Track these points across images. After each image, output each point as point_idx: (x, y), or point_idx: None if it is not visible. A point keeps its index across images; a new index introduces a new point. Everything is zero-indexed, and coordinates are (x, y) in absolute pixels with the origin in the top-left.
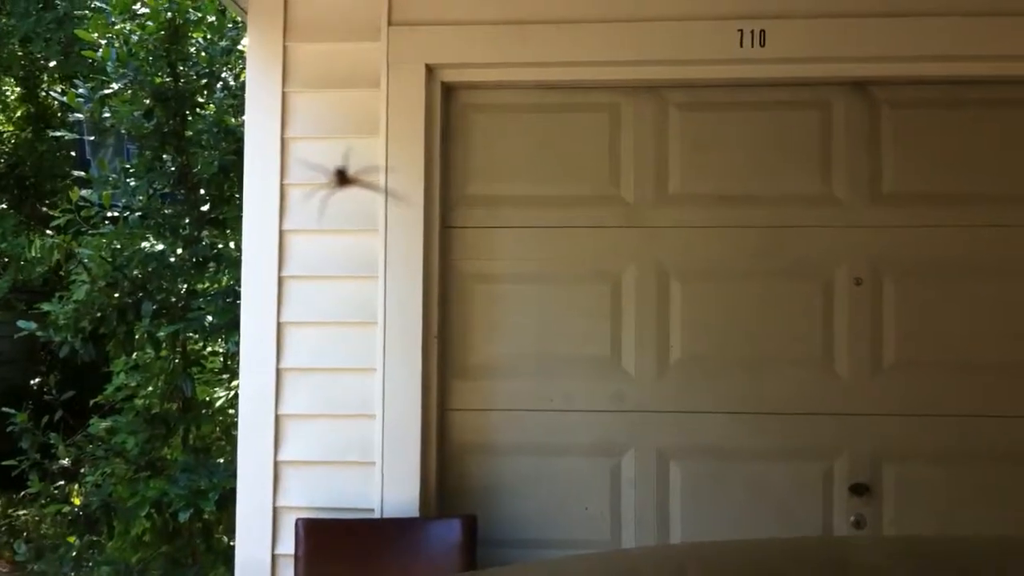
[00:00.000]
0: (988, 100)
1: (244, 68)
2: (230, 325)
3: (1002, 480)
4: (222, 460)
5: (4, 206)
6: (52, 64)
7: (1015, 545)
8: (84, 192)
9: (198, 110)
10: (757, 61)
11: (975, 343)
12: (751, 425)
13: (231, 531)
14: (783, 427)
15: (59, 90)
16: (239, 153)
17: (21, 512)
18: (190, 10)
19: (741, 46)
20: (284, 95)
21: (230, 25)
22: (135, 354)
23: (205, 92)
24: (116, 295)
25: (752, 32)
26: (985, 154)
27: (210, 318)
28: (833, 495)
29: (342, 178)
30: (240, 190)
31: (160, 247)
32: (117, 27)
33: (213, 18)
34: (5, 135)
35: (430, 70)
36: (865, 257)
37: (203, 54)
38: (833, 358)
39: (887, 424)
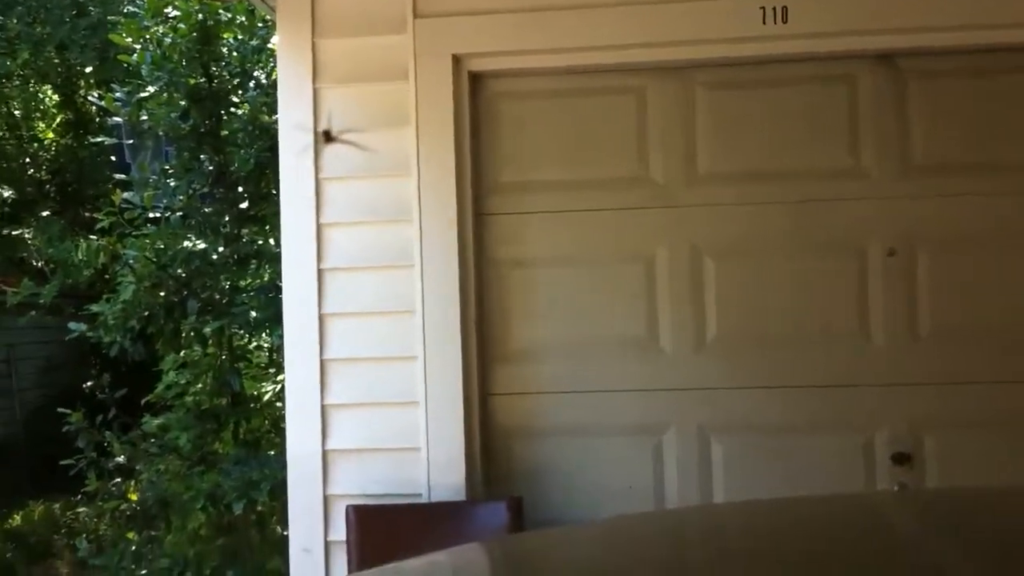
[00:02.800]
0: (1015, 67)
1: (275, 66)
2: (273, 319)
3: None
4: (272, 452)
5: (49, 212)
6: (88, 70)
7: None
8: (126, 194)
9: (232, 109)
10: (781, 37)
11: (1010, 310)
12: (790, 399)
13: (284, 521)
14: (822, 400)
15: (96, 95)
16: (274, 150)
17: (80, 510)
18: (220, 11)
19: (764, 23)
20: (315, 90)
21: (260, 24)
22: (183, 352)
23: (238, 91)
24: (162, 294)
25: (775, 9)
26: (1013, 122)
27: (254, 313)
28: (875, 465)
29: (327, 137)
30: (276, 186)
31: (202, 245)
32: (150, 31)
33: (243, 18)
34: (46, 143)
35: (457, 60)
36: (897, 228)
37: (235, 54)
38: (869, 330)
39: (926, 393)
